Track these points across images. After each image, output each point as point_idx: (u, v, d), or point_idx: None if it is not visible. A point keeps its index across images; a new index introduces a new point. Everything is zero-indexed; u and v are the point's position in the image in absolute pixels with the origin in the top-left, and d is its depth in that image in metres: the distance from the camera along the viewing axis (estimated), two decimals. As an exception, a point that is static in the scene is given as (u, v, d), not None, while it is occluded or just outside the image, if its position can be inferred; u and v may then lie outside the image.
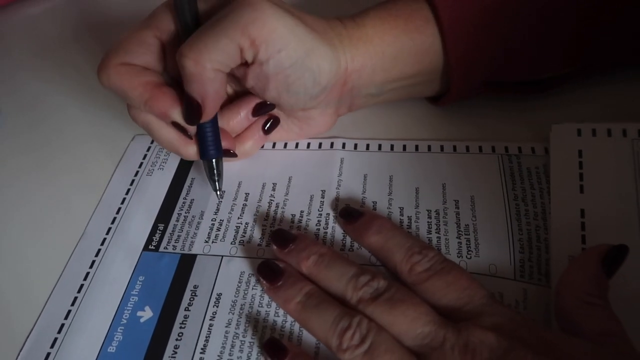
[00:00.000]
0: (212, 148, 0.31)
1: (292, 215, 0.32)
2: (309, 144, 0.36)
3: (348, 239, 0.31)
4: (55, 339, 0.29)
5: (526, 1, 0.31)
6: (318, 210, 0.32)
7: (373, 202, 0.32)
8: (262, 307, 0.28)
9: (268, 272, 0.29)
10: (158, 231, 0.33)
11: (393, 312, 0.25)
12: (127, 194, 0.35)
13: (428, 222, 0.31)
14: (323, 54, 0.29)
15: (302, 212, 0.32)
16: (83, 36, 0.50)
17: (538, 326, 0.24)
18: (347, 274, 0.27)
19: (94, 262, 0.32)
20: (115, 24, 0.50)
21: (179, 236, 0.32)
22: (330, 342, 0.25)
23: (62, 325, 0.29)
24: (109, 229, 0.33)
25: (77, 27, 0.51)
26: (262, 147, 0.36)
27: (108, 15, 0.52)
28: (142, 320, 0.29)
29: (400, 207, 0.32)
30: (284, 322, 0.28)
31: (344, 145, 0.36)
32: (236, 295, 0.29)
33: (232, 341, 0.27)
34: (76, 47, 0.48)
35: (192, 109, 0.29)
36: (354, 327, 0.25)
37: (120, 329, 0.29)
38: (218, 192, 0.33)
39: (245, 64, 0.29)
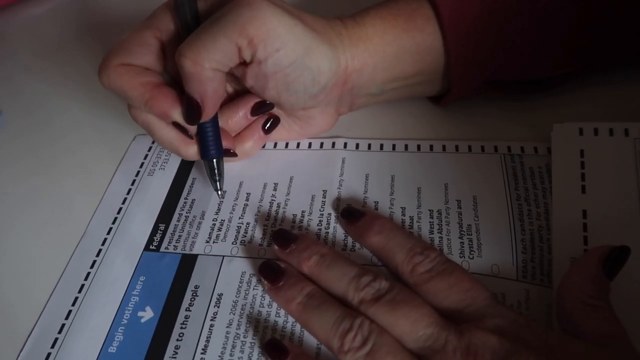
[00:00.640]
0: (213, 148, 0.31)
1: (293, 215, 0.32)
2: (310, 144, 0.36)
3: (349, 239, 0.31)
4: (56, 339, 0.29)
5: (526, 1, 0.30)
6: (319, 210, 0.32)
7: (375, 202, 0.32)
8: (263, 307, 0.28)
9: (269, 272, 0.28)
10: (159, 231, 0.33)
11: (395, 313, 0.25)
12: (128, 194, 0.35)
13: (430, 222, 0.31)
14: (322, 54, 0.29)
15: (303, 212, 0.32)
16: (84, 36, 0.50)
17: (541, 328, 0.24)
18: (349, 275, 0.27)
19: (95, 262, 0.32)
20: (117, 24, 0.50)
21: (180, 236, 0.32)
22: (331, 344, 0.25)
23: (63, 325, 0.29)
24: (110, 229, 0.33)
25: (78, 28, 0.51)
26: (264, 147, 0.36)
27: (109, 16, 0.52)
28: (142, 320, 0.29)
29: (402, 207, 0.32)
30: (285, 323, 0.28)
31: (345, 145, 0.35)
32: (237, 296, 0.29)
33: (233, 342, 0.27)
34: (77, 48, 0.48)
35: (192, 108, 0.29)
36: (355, 329, 0.25)
37: (121, 329, 0.29)
38: (219, 192, 0.33)
39: (244, 63, 0.29)
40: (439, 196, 0.32)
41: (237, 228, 0.32)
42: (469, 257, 0.29)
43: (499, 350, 0.23)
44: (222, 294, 0.29)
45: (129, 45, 0.30)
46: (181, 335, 0.28)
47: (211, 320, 0.28)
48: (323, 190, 0.33)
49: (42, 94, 0.44)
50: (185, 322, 0.28)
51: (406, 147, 0.35)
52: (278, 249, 0.29)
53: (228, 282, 0.30)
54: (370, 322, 0.25)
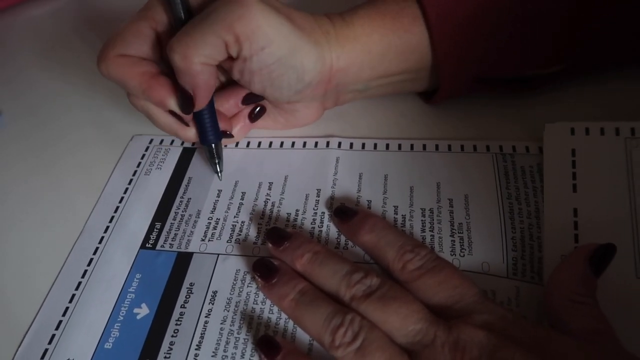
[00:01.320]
0: (211, 134, 0.33)
1: (287, 214, 0.33)
2: (305, 143, 0.36)
3: (342, 237, 0.31)
4: (53, 335, 0.29)
5: None
6: (313, 209, 0.33)
7: (368, 200, 0.32)
8: (257, 304, 0.29)
9: (263, 269, 0.29)
10: (155, 229, 0.33)
11: (385, 309, 0.25)
12: (125, 192, 0.36)
13: (422, 220, 0.31)
14: (307, 53, 0.30)
15: (297, 210, 0.33)
16: (84, 37, 0.50)
17: (529, 324, 0.24)
18: (341, 272, 0.27)
19: (92, 259, 0.32)
20: (117, 24, 0.50)
21: (175, 234, 0.33)
22: (322, 339, 0.25)
23: (60, 321, 0.30)
24: (107, 227, 0.34)
25: (78, 29, 0.51)
26: (259, 146, 0.37)
27: (109, 16, 0.52)
28: (138, 317, 0.29)
29: (394, 206, 0.32)
30: (278, 319, 0.28)
31: (339, 144, 0.36)
32: (231, 293, 0.29)
33: (227, 338, 0.28)
34: (77, 48, 0.49)
35: (185, 99, 0.31)
36: (346, 325, 0.25)
37: (117, 326, 0.29)
38: (219, 174, 0.35)
39: (231, 58, 0.30)
40: (431, 195, 0.32)
41: (232, 227, 0.32)
42: (459, 254, 0.29)
43: (486, 345, 0.23)
44: (216, 291, 0.30)
45: (126, 36, 0.31)
46: (176, 331, 0.28)
47: (206, 316, 0.29)
48: (317, 189, 0.34)
49: (42, 94, 0.45)
50: (180, 319, 0.29)
51: (399, 146, 0.35)
52: (272, 246, 0.30)
53: (223, 280, 0.30)
54: (361, 318, 0.25)
